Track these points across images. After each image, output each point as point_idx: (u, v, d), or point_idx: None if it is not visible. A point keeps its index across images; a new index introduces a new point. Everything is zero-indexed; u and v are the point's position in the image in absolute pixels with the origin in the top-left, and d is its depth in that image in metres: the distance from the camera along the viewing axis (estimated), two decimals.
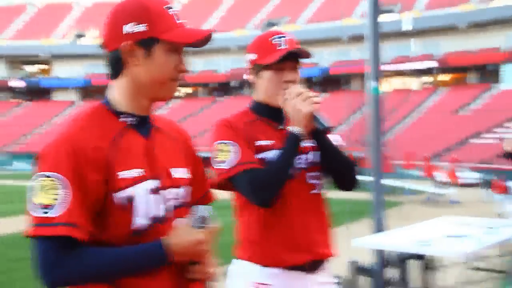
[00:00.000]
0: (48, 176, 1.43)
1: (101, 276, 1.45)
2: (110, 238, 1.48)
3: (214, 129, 2.22)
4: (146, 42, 1.52)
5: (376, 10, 4.53)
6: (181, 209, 1.60)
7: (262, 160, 2.13)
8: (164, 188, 1.57)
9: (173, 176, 1.60)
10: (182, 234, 1.49)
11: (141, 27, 1.51)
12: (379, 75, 4.51)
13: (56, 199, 1.41)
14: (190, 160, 1.71)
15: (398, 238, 3.90)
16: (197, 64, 47.44)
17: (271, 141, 2.17)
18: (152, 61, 1.53)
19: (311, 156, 2.19)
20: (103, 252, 1.45)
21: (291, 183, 2.13)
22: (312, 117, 2.10)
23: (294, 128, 2.09)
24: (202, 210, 1.51)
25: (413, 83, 45.74)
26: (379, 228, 4.04)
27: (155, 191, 1.54)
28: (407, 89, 44.74)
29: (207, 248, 1.52)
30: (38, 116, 49.98)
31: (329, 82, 46.05)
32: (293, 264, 2.12)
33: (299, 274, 2.14)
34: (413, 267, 5.37)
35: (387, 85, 43.57)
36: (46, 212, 1.41)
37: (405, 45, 43.77)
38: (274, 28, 47.99)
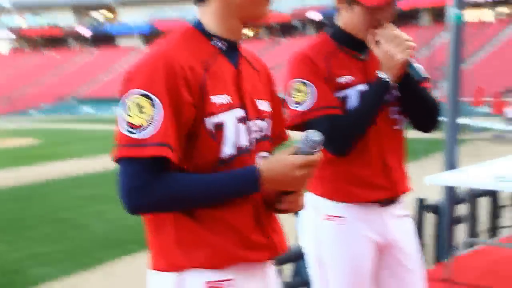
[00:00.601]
0: (142, 94, 1.35)
1: (191, 202, 1.39)
2: (195, 166, 1.41)
3: (291, 64, 2.08)
4: None
5: None
6: (263, 142, 1.55)
7: (343, 98, 2.02)
8: (250, 118, 1.51)
9: (258, 108, 1.54)
10: (278, 159, 1.41)
11: None
12: (463, 3, 4.25)
13: (150, 119, 1.33)
14: (270, 94, 1.65)
15: (471, 175, 3.77)
16: None
17: (353, 77, 2.04)
18: None
19: (395, 90, 2.06)
20: (194, 176, 1.39)
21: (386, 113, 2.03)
22: (406, 65, 1.97)
23: (385, 75, 1.97)
24: (312, 134, 1.41)
25: (487, 14, 43.40)
26: (451, 165, 3.92)
27: (243, 120, 1.48)
28: (482, 22, 42.55)
29: (304, 175, 1.41)
30: (103, 62, 51.21)
31: (399, 16, 44.35)
32: (368, 200, 2.06)
33: (374, 207, 2.07)
34: (482, 205, 5.25)
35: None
36: (139, 132, 1.33)
37: None
38: None
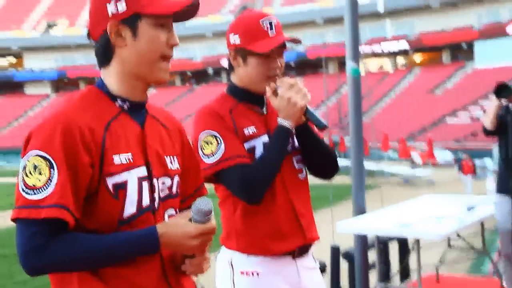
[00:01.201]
0: (39, 155, 1.35)
1: (90, 262, 1.37)
2: (98, 226, 1.40)
3: (197, 117, 2.11)
4: (130, 20, 1.45)
5: None
6: (171, 199, 1.55)
7: (250, 149, 2.07)
8: (155, 176, 1.51)
9: (166, 165, 1.54)
10: (176, 225, 1.42)
11: (122, 5, 1.45)
12: (359, 57, 4.49)
13: (46, 180, 1.34)
14: (183, 151, 1.65)
15: (378, 221, 3.93)
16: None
17: (256, 129, 2.09)
18: (139, 39, 1.46)
19: (295, 140, 2.14)
20: (93, 237, 1.38)
21: (281, 168, 2.07)
22: (306, 111, 2.04)
23: (286, 122, 2.03)
24: (202, 203, 1.42)
25: (388, 64, 46.03)
26: (359, 211, 4.06)
27: (147, 179, 1.48)
28: (383, 71, 45.04)
29: (200, 242, 1.42)
30: (12, 110, 49.18)
31: (305, 65, 46.07)
32: (281, 252, 2.09)
33: (287, 260, 2.11)
34: (394, 249, 5.46)
35: (362, 67, 43.76)
36: (35, 194, 1.33)
37: (379, 26, 43.98)
38: None
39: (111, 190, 1.41)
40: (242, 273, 2.10)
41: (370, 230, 3.83)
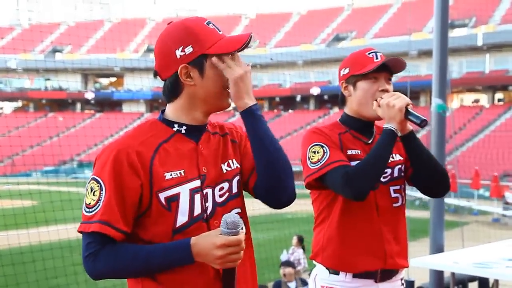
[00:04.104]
0: (94, 179, 1.61)
1: (133, 271, 1.58)
2: (152, 237, 1.60)
3: (306, 135, 2.32)
4: (197, 61, 1.63)
5: (445, 24, 4.47)
6: (233, 201, 1.70)
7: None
8: (211, 185, 1.67)
9: (222, 172, 1.70)
10: (207, 236, 1.54)
11: (189, 49, 1.63)
12: (446, 93, 4.44)
13: (97, 200, 1.58)
14: (240, 142, 1.79)
15: (457, 259, 3.86)
16: (261, 79, 47.86)
17: (361, 153, 2.26)
18: (206, 77, 1.65)
19: (396, 170, 2.28)
20: (135, 247, 1.58)
21: (376, 194, 2.22)
22: (406, 112, 2.16)
23: (389, 125, 2.17)
24: (229, 216, 1.53)
25: (485, 99, 44.27)
26: (437, 248, 4.01)
27: (199, 190, 1.64)
28: (479, 106, 43.37)
29: (224, 253, 1.51)
30: (108, 126, 51.74)
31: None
32: (361, 269, 2.20)
33: (369, 282, 2.22)
34: None
35: (457, 101, 42.37)
36: (89, 211, 1.59)
37: (478, 60, 42.50)
38: (341, 43, 47.76)
39: (164, 203, 1.60)
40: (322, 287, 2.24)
41: (446, 266, 3.78)
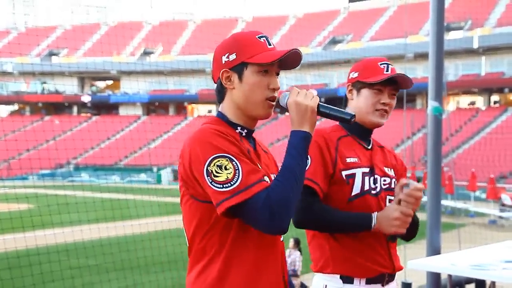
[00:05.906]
0: (220, 157, 1.70)
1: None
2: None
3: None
4: (238, 68, 1.83)
5: (440, 27, 4.48)
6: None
7: (350, 175, 2.26)
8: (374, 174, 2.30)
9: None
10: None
11: (233, 56, 1.83)
12: (442, 95, 4.46)
13: (234, 171, 1.69)
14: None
15: (454, 261, 3.87)
16: None
17: (359, 160, 2.30)
18: (244, 83, 1.83)
19: (393, 182, 2.35)
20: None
21: (379, 200, 2.28)
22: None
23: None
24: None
25: (481, 101, 44.40)
26: (434, 250, 4.02)
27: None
28: (475, 108, 43.49)
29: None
30: (105, 129, 51.71)
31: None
32: (376, 273, 2.24)
33: (377, 287, 2.27)
34: None
35: (453, 104, 42.49)
36: (231, 185, 1.68)
37: (474, 63, 42.62)
38: (338, 46, 47.86)
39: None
40: None
41: (442, 268, 3.79)
